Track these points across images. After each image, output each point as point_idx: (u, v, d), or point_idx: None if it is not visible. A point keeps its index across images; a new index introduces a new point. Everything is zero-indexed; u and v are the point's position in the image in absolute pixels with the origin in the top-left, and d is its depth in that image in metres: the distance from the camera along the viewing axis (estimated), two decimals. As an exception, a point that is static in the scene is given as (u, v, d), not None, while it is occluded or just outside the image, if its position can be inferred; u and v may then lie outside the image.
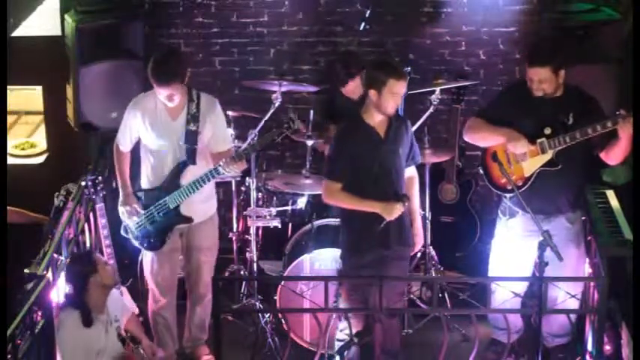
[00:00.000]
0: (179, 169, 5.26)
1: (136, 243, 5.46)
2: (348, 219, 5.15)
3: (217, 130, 5.33)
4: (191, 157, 5.24)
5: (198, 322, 5.63)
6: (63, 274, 5.23)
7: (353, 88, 6.02)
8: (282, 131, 5.15)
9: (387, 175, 5.03)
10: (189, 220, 5.33)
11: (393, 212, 4.92)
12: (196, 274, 5.52)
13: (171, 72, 5.08)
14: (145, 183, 5.40)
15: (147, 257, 5.48)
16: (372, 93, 4.92)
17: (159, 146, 5.28)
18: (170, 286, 5.52)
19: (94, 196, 5.50)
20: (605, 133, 4.92)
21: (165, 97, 5.13)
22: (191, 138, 5.22)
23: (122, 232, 5.47)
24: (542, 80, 5.03)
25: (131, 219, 5.36)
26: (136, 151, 5.44)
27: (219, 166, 5.15)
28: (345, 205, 5.07)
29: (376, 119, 5.00)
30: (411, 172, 5.25)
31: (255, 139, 5.21)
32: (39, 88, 6.72)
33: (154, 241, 5.37)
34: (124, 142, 5.38)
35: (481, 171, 5.43)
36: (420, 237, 5.29)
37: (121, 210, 5.37)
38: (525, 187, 5.13)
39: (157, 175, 5.32)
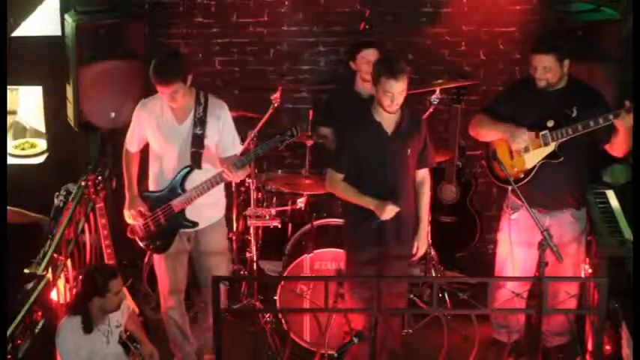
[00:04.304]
0: (184, 173, 5.22)
1: (142, 245, 5.44)
2: (347, 214, 5.20)
3: (224, 135, 5.27)
4: (196, 161, 5.20)
5: (207, 326, 5.57)
6: (63, 275, 5.24)
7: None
8: (284, 139, 5.10)
9: (389, 172, 5.05)
10: (194, 224, 5.30)
11: (386, 212, 4.93)
12: (205, 279, 5.45)
13: (172, 71, 5.05)
14: (152, 185, 5.38)
15: (156, 259, 5.48)
16: (373, 88, 4.97)
17: (164, 149, 5.25)
18: (177, 288, 5.49)
19: (94, 196, 5.50)
20: (610, 126, 4.91)
21: (167, 97, 5.09)
22: (197, 142, 5.18)
23: (128, 234, 5.43)
24: (547, 69, 5.02)
25: (137, 221, 5.34)
26: (145, 153, 5.42)
27: (223, 172, 5.13)
28: (343, 197, 5.11)
29: (384, 115, 5.01)
30: (421, 174, 5.25)
31: (257, 147, 5.19)
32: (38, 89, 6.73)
33: (160, 243, 5.35)
34: (132, 143, 5.37)
35: (484, 163, 5.45)
36: (423, 242, 5.27)
37: (127, 213, 5.34)
38: (527, 179, 5.14)
39: (162, 177, 5.29)
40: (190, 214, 5.28)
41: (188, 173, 5.22)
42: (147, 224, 5.33)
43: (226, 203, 5.57)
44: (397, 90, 4.88)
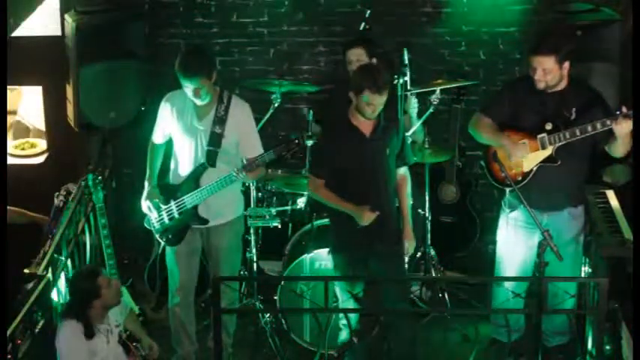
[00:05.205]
0: (198, 170, 5.24)
1: (156, 237, 5.47)
2: (332, 216, 5.23)
3: (245, 136, 5.27)
4: (212, 159, 5.22)
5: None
6: (63, 275, 5.24)
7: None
8: (291, 147, 5.14)
9: (371, 174, 5.07)
10: (205, 221, 5.32)
11: (364, 219, 4.97)
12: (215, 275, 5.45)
13: (197, 66, 5.06)
14: (171, 179, 5.42)
15: (168, 253, 5.50)
16: (352, 95, 4.99)
17: (182, 144, 5.29)
18: (185, 285, 5.49)
19: (94, 196, 5.50)
20: (609, 129, 4.91)
21: (192, 92, 5.10)
22: (214, 140, 5.20)
23: (145, 224, 5.47)
24: (547, 71, 5.00)
25: (152, 212, 5.37)
26: (170, 146, 5.44)
27: (232, 173, 5.14)
28: (325, 202, 5.14)
29: (361, 119, 5.04)
30: (402, 172, 5.27)
31: (265, 153, 5.20)
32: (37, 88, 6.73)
33: (172, 237, 5.38)
34: (156, 134, 5.41)
35: (482, 163, 5.45)
36: (411, 239, 5.27)
37: (144, 204, 5.38)
38: (525, 182, 5.13)
39: (180, 173, 5.33)
40: (203, 211, 5.29)
41: (203, 171, 5.24)
42: (161, 216, 5.35)
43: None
44: (380, 102, 4.95)
